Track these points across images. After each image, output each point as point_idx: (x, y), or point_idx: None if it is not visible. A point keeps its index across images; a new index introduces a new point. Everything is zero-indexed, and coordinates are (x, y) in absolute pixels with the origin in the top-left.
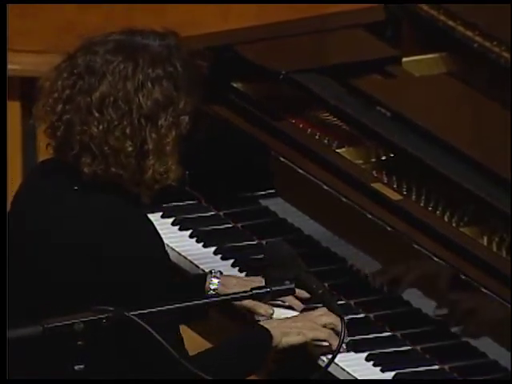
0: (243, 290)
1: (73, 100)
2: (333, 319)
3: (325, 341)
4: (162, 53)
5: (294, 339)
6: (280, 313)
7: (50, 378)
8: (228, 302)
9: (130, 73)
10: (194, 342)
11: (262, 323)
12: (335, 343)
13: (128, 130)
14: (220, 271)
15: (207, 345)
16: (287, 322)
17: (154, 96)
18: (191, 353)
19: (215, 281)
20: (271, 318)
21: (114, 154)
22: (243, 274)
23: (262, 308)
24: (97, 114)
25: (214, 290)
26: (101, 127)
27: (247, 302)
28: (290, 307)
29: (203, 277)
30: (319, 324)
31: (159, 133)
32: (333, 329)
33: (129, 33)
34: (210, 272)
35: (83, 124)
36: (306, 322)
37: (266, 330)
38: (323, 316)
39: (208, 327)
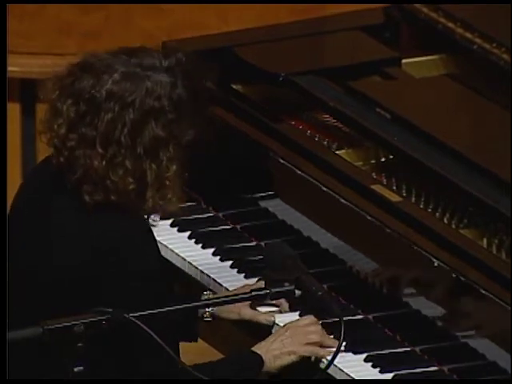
0: (237, 310)
1: (77, 129)
2: (319, 327)
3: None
4: (167, 81)
5: (286, 360)
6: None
7: (49, 379)
8: (227, 303)
9: (135, 106)
10: (197, 346)
11: (254, 348)
12: (326, 354)
13: (129, 165)
14: (213, 291)
15: (210, 349)
16: (276, 342)
17: (156, 132)
18: (194, 356)
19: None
20: (273, 325)
21: (116, 187)
22: (242, 276)
23: (262, 317)
24: (100, 150)
25: (208, 310)
26: (104, 162)
27: (246, 313)
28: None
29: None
30: (308, 334)
31: (160, 166)
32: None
33: (133, 55)
34: (203, 293)
35: (86, 157)
36: (294, 337)
37: (259, 356)
38: (311, 325)
39: (213, 331)
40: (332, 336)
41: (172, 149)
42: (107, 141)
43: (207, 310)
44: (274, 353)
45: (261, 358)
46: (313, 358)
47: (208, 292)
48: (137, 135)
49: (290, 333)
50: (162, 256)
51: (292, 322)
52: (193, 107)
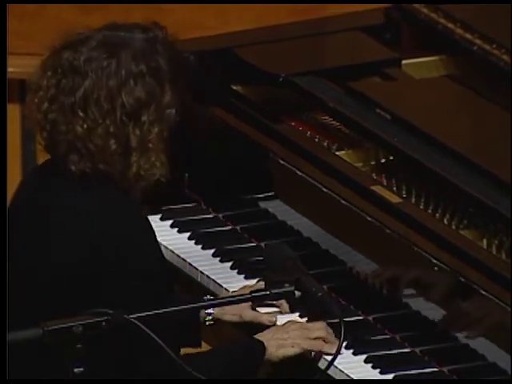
0: (236, 308)
1: (57, 99)
2: (326, 331)
3: (319, 350)
4: (146, 48)
5: (288, 351)
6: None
7: (49, 379)
8: (227, 304)
9: (112, 70)
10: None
11: (257, 336)
12: (329, 350)
13: (111, 129)
14: (214, 296)
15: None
16: (280, 332)
17: (136, 94)
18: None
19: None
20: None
21: (100, 152)
22: (242, 276)
23: (263, 318)
24: (81, 114)
25: (209, 314)
26: (85, 126)
27: (247, 315)
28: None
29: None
30: (312, 332)
31: (142, 129)
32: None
33: (112, 28)
34: (204, 298)
35: (68, 123)
36: (299, 330)
37: (261, 343)
38: (318, 324)
39: (214, 333)
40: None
41: (154, 111)
42: (87, 104)
43: (207, 312)
44: (278, 342)
45: (263, 344)
46: (312, 354)
47: (208, 297)
48: (116, 97)
49: (296, 326)
50: (163, 256)
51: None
52: (172, 75)
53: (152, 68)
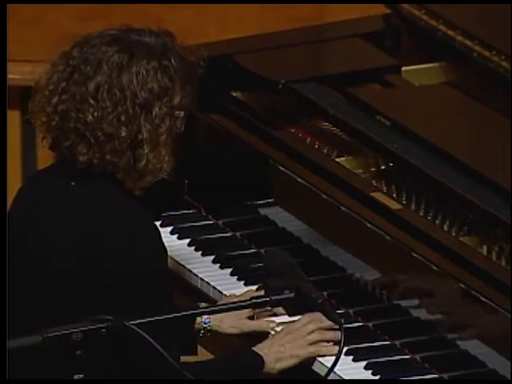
0: (234, 320)
1: (68, 91)
2: (317, 324)
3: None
4: (158, 47)
5: (287, 363)
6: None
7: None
8: (228, 311)
9: (125, 63)
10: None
11: (255, 348)
12: (329, 350)
13: (123, 117)
14: (209, 303)
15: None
16: (277, 345)
17: (148, 86)
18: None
19: (206, 320)
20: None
21: (109, 141)
22: (242, 283)
23: (264, 325)
24: (92, 102)
25: (205, 327)
26: (96, 114)
27: (246, 325)
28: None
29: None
30: (307, 335)
31: (153, 122)
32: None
33: (125, 30)
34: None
35: (78, 112)
36: (295, 341)
37: (260, 357)
38: (309, 325)
39: (213, 339)
40: (332, 343)
41: (165, 106)
42: (98, 93)
43: (203, 325)
44: (275, 355)
45: (262, 358)
46: (315, 359)
47: (204, 304)
48: (128, 88)
49: (290, 338)
50: (166, 258)
51: (289, 323)
52: (182, 79)
53: (164, 65)
